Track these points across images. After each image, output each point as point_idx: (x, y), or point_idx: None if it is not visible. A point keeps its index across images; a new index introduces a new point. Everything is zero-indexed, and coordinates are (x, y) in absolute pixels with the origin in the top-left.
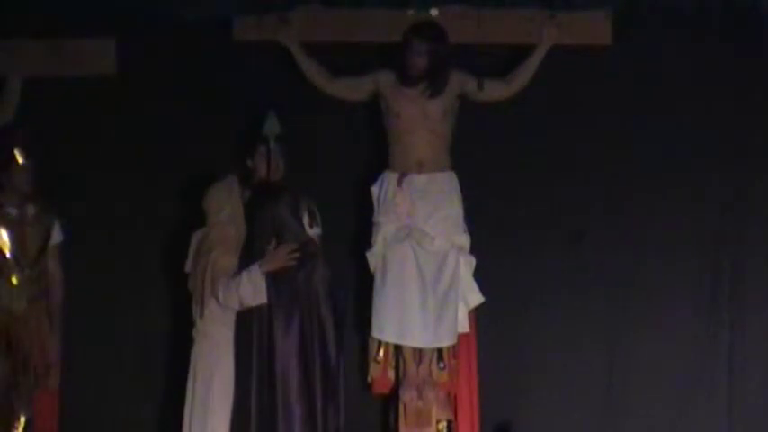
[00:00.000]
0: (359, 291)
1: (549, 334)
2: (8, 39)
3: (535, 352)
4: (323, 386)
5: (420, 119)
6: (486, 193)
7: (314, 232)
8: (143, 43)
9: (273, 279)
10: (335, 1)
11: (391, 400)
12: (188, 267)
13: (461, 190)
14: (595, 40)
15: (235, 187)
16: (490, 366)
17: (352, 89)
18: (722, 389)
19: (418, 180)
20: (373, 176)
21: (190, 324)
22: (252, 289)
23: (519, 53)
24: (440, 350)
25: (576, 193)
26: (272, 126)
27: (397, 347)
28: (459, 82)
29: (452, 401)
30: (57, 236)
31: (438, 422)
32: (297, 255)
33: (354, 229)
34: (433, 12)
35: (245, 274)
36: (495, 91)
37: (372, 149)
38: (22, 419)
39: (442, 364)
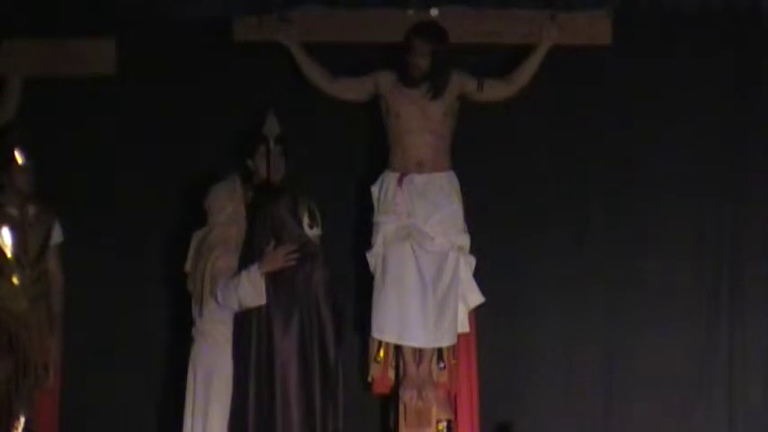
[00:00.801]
0: (359, 291)
1: (549, 334)
2: (8, 39)
3: (535, 352)
4: (322, 386)
5: (420, 119)
6: (486, 193)
7: (314, 233)
8: (143, 43)
9: (272, 280)
10: (335, 1)
11: (391, 400)
12: (188, 267)
13: (461, 190)
14: (595, 40)
15: (237, 187)
16: (490, 366)
17: (352, 89)
18: (722, 389)
19: (418, 180)
20: (373, 176)
21: (190, 324)
22: (251, 289)
23: (519, 53)
24: (440, 350)
25: (576, 193)
26: (272, 126)
27: (398, 347)
28: (460, 82)
29: (452, 401)
30: (57, 236)
31: (438, 422)
32: (296, 255)
33: (354, 229)
34: (433, 12)
35: (244, 274)
36: (496, 91)
37: (372, 149)
38: (22, 419)
39: (442, 364)
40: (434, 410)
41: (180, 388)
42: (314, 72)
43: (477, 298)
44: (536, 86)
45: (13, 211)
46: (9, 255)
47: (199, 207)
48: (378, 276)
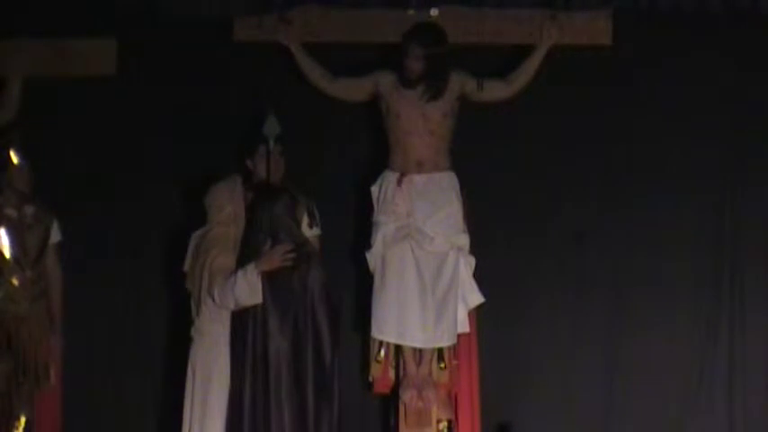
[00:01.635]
0: (359, 291)
1: (549, 334)
2: (8, 39)
3: (535, 352)
4: (318, 387)
5: (420, 120)
6: (486, 193)
7: (313, 233)
8: (143, 43)
9: (269, 279)
10: (335, 1)
11: (391, 400)
12: (186, 267)
13: (461, 190)
14: (595, 40)
15: (238, 187)
16: (490, 366)
17: (352, 90)
18: (722, 389)
19: (418, 180)
20: (373, 176)
21: (189, 323)
22: (247, 289)
23: (519, 53)
24: (440, 350)
25: (575, 193)
26: (271, 126)
27: (398, 347)
28: (460, 83)
29: (453, 401)
30: (56, 235)
31: (438, 422)
32: (292, 255)
33: (354, 229)
34: (434, 12)
35: (240, 273)
36: (496, 91)
37: (372, 149)
38: (23, 419)
39: (442, 364)
40: (434, 410)
41: (180, 388)
42: (314, 72)
43: (476, 298)
44: (536, 86)
45: (12, 211)
46: (8, 256)
47: (199, 207)
48: (377, 276)
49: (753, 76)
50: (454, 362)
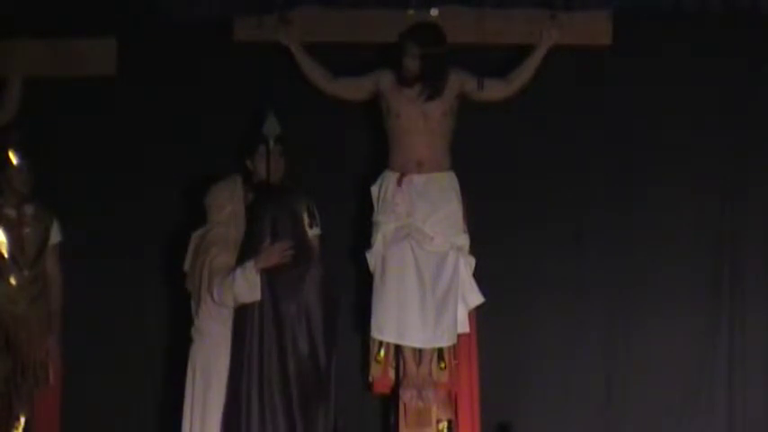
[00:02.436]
0: (359, 290)
1: (549, 334)
2: (8, 39)
3: (535, 352)
4: (313, 386)
5: (419, 119)
6: (486, 193)
7: (313, 232)
8: (143, 43)
9: (268, 277)
10: (335, 1)
11: (391, 400)
12: (186, 266)
13: (461, 190)
14: (595, 40)
15: (238, 187)
16: (490, 366)
17: (352, 89)
18: (722, 389)
19: (418, 180)
20: (373, 176)
21: (189, 323)
22: (246, 286)
23: (519, 53)
24: (440, 350)
25: (575, 193)
26: (271, 126)
27: (398, 347)
28: (459, 82)
29: (452, 401)
30: (55, 236)
31: (438, 422)
32: (291, 252)
33: (354, 229)
34: (434, 12)
35: (239, 270)
36: (496, 91)
37: (372, 149)
38: (22, 419)
39: (442, 364)
40: (434, 410)
41: (180, 387)
42: (314, 72)
43: (476, 298)
44: (536, 86)
45: (11, 211)
46: (6, 256)
47: (199, 207)
48: (377, 276)
49: (753, 76)
50: (454, 362)
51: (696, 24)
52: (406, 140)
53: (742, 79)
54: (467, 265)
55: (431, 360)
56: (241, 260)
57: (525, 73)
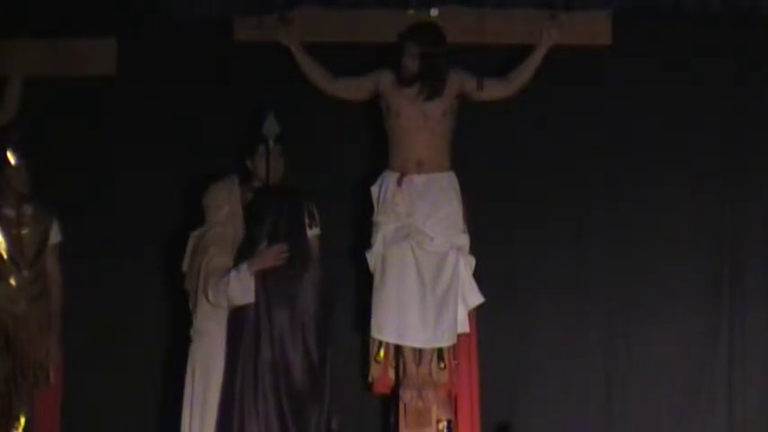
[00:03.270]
0: (358, 291)
1: (549, 334)
2: (8, 39)
3: (535, 352)
4: (307, 385)
5: (419, 119)
6: (486, 193)
7: (313, 232)
8: (143, 43)
9: (263, 278)
10: (335, 1)
11: (391, 400)
12: (185, 267)
13: (461, 190)
14: (595, 40)
15: (235, 187)
16: (490, 366)
17: (352, 89)
18: (722, 389)
19: (418, 180)
20: (373, 176)
21: (189, 323)
22: (239, 288)
23: (519, 53)
24: (440, 350)
25: (575, 193)
26: (271, 126)
27: (398, 347)
28: (459, 81)
29: (452, 401)
30: (55, 236)
31: (438, 422)
32: (286, 254)
33: (354, 229)
34: (434, 12)
35: (233, 272)
36: (495, 90)
37: (372, 149)
38: (22, 419)
39: (442, 364)
40: (434, 410)
41: (179, 387)
42: (314, 72)
43: (476, 298)
44: (536, 86)
45: (10, 211)
46: (5, 256)
47: (199, 207)
48: (377, 276)
49: (753, 76)
50: (454, 362)
51: (696, 24)
52: (405, 140)
53: (742, 79)
54: (467, 265)
55: (431, 360)
56: (238, 261)
57: (525, 73)
